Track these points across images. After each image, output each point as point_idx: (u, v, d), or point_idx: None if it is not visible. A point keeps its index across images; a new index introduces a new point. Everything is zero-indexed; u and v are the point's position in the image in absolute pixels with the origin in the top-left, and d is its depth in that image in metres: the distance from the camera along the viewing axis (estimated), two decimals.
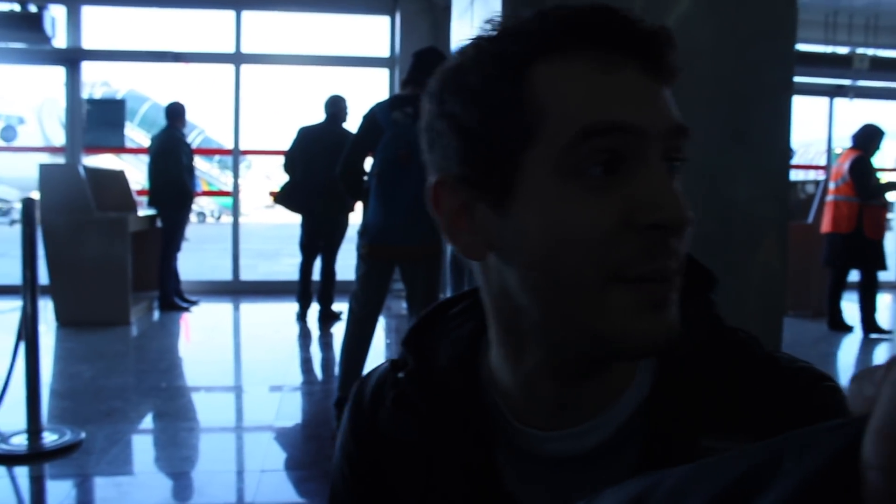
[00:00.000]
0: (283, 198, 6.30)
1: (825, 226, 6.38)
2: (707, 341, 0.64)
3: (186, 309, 6.93)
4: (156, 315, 6.83)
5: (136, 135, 17.54)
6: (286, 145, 6.26)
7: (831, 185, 6.39)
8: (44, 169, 6.30)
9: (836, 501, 0.28)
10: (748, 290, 2.61)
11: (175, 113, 6.80)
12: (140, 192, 7.45)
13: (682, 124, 0.58)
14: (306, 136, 6.07)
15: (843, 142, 10.07)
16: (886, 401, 0.27)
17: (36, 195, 4.56)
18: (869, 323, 6.30)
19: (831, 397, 0.62)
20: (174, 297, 6.94)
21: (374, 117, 3.70)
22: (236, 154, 8.40)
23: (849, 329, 6.45)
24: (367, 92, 8.76)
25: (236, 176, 8.70)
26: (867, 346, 6.09)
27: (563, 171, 0.56)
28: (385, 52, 8.50)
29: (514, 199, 0.58)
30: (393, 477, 0.73)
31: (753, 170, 2.68)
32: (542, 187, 0.57)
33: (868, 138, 6.20)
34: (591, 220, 0.55)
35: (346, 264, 4.12)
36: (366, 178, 3.75)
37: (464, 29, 3.29)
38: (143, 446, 3.62)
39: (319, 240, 6.40)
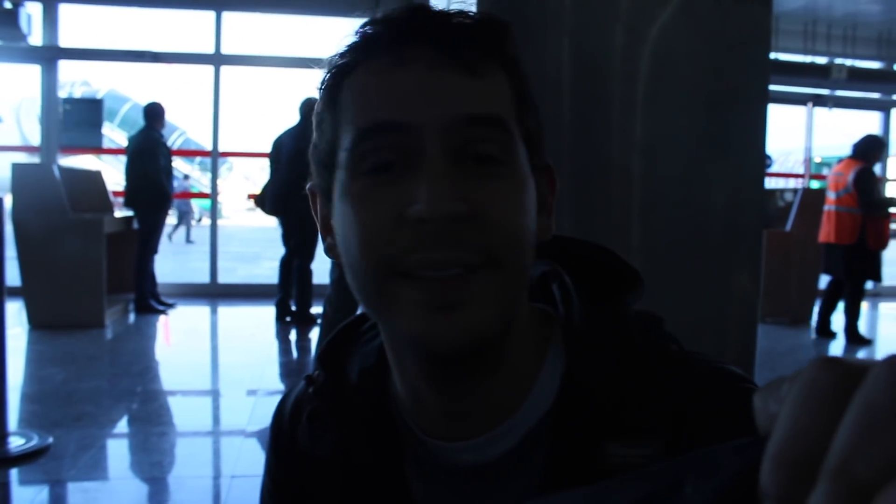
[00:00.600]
0: (260, 201, 6.26)
1: (825, 236, 6.32)
2: (611, 345, 0.63)
3: (163, 312, 6.86)
4: (131, 318, 6.75)
5: (117, 135, 17.42)
6: (267, 148, 6.21)
7: (831, 195, 6.31)
8: (17, 168, 6.19)
9: None
10: (724, 295, 2.60)
11: (153, 113, 6.73)
12: (117, 194, 7.37)
13: (473, 114, 0.57)
14: (282, 140, 6.03)
15: (821, 151, 10.17)
16: (784, 420, 0.24)
17: (8, 195, 4.49)
18: (852, 332, 6.32)
19: (748, 400, 0.59)
20: (150, 300, 6.87)
21: None
22: (215, 156, 8.33)
23: (833, 336, 6.48)
24: None
25: (215, 178, 8.62)
26: (849, 355, 6.13)
27: (352, 173, 0.58)
28: None
29: (332, 202, 0.62)
30: (312, 493, 0.72)
31: (729, 177, 2.67)
32: (342, 190, 0.59)
33: (869, 148, 6.18)
34: (369, 218, 0.56)
35: (323, 268, 4.08)
36: None
37: None
38: (113, 451, 3.56)
39: (290, 242, 6.32)
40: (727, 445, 0.29)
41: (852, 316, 6.33)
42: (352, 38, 0.61)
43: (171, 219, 22.11)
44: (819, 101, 9.48)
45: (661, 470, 0.31)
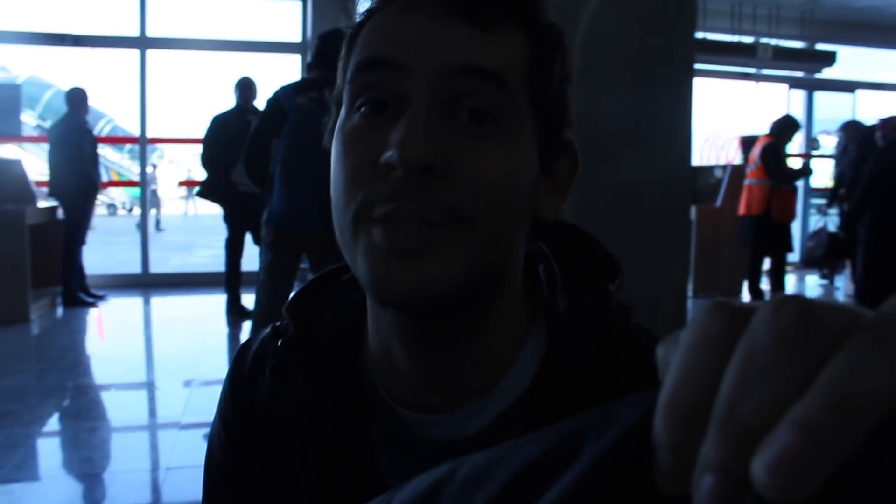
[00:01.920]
0: (206, 191, 6.06)
1: (741, 208, 6.57)
2: (594, 333, 0.62)
3: (92, 304, 6.65)
4: (59, 312, 6.52)
5: (36, 122, 16.77)
6: (198, 133, 6.04)
7: (747, 169, 6.60)
8: None
9: (628, 486, 0.25)
10: (655, 271, 2.64)
11: (76, 99, 6.47)
12: (40, 184, 7.10)
13: (468, 64, 0.55)
14: (218, 124, 5.87)
15: (750, 128, 10.43)
16: (674, 369, 0.23)
17: None
18: None
19: None
20: (79, 293, 6.65)
21: (279, 102, 3.60)
22: (143, 143, 8.09)
23: None
24: (279, 77, 8.58)
25: (143, 165, 8.39)
26: None
27: (348, 109, 0.58)
28: (297, 38, 8.32)
29: (331, 141, 0.61)
30: (269, 448, 0.69)
31: (657, 154, 2.71)
32: (339, 126, 0.59)
33: (783, 128, 6.41)
34: (352, 159, 0.56)
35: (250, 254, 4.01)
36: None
37: None
38: (41, 450, 3.44)
39: (248, 227, 6.09)
40: (629, 398, 0.28)
41: (776, 288, 6.54)
42: None
43: (103, 209, 21.57)
44: (747, 78, 9.70)
45: (563, 426, 0.29)
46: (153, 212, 18.82)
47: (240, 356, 0.74)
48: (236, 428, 0.72)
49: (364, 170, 0.55)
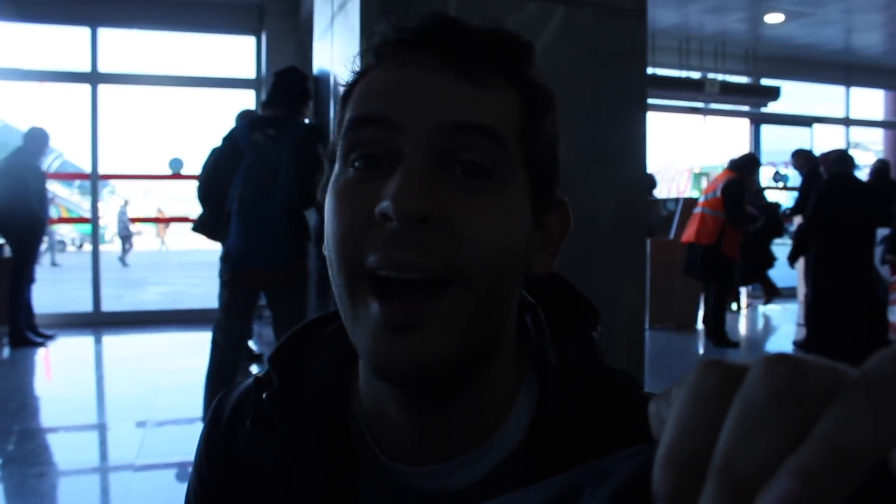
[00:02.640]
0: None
1: (688, 235, 6.61)
2: (586, 384, 0.62)
3: (41, 344, 6.46)
4: (5, 352, 6.33)
5: None
6: (152, 169, 5.97)
7: (701, 198, 6.67)
8: None
9: None
10: (611, 301, 2.67)
11: (34, 138, 6.41)
12: None
13: (461, 121, 0.55)
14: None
15: (700, 161, 10.67)
16: (672, 424, 0.25)
17: None
18: (718, 335, 6.59)
19: None
20: (26, 332, 6.46)
21: (235, 139, 3.59)
22: (95, 178, 7.95)
23: (734, 344, 6.70)
24: (232, 113, 8.54)
25: (95, 201, 8.24)
26: (722, 355, 6.39)
27: (342, 164, 0.58)
28: (251, 73, 8.31)
29: (327, 192, 0.60)
30: (246, 501, 0.67)
31: (612, 185, 2.76)
32: (333, 181, 0.59)
33: (745, 165, 6.51)
34: (345, 213, 0.56)
35: (213, 292, 3.94)
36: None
37: (324, 49, 3.24)
38: None
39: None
40: (622, 453, 0.29)
41: (717, 320, 6.61)
42: (375, 40, 0.61)
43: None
44: (696, 112, 9.96)
45: (560, 480, 0.31)
46: (122, 247, 18.97)
47: (218, 407, 0.73)
48: (210, 480, 0.71)
49: (358, 223, 0.55)
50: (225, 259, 3.53)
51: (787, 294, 8.63)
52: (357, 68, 0.62)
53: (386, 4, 2.49)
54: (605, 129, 2.73)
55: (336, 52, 2.94)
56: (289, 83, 3.73)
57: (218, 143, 3.68)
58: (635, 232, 2.83)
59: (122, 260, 18.43)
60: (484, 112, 0.56)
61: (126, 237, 19.18)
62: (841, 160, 5.95)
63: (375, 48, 0.61)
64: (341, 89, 0.63)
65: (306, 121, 3.71)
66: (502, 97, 0.58)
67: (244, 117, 4.47)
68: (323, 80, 3.32)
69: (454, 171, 0.55)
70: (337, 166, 0.59)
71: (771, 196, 8.88)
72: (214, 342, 3.61)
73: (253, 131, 3.55)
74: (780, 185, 10.54)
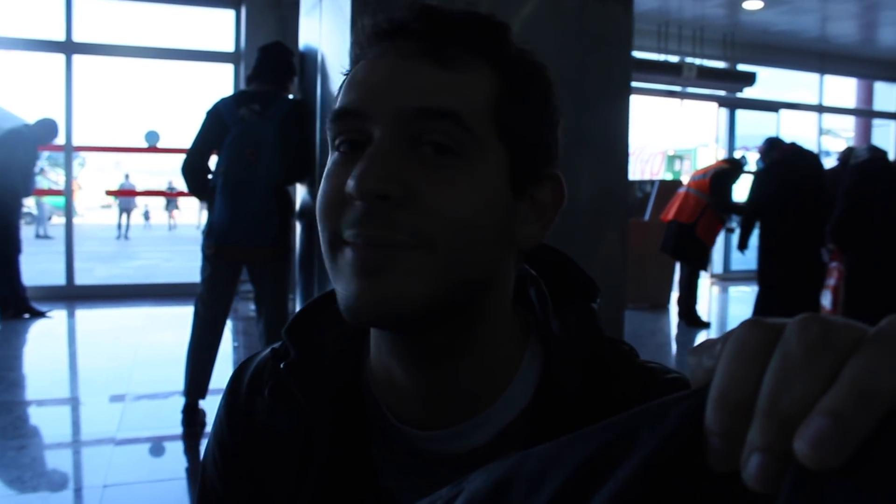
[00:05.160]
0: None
1: (671, 213, 6.70)
2: (586, 348, 0.66)
3: (43, 314, 6.50)
4: None
5: None
6: (124, 141, 5.94)
7: (686, 178, 6.78)
8: None
9: (686, 466, 0.31)
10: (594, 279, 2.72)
11: (43, 126, 6.56)
12: None
13: (423, 107, 0.59)
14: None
15: (674, 143, 10.78)
16: (722, 371, 0.30)
17: None
18: (689, 315, 6.74)
19: None
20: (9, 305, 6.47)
21: (219, 113, 3.58)
22: (69, 150, 7.84)
23: (694, 319, 6.85)
24: (209, 87, 8.45)
25: (69, 174, 8.13)
26: (691, 335, 6.52)
27: (332, 149, 0.64)
28: (230, 47, 8.23)
29: None
30: (265, 468, 0.71)
31: (595, 168, 2.81)
32: (327, 164, 0.64)
33: (736, 164, 6.72)
34: (326, 192, 0.62)
35: (195, 266, 3.95)
36: (210, 176, 3.62)
37: (312, 26, 3.24)
38: None
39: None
40: (669, 399, 0.33)
41: (689, 300, 6.77)
42: (364, 32, 0.65)
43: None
44: (673, 96, 10.05)
45: (619, 421, 0.35)
46: (124, 219, 18.98)
47: (236, 377, 0.77)
48: (232, 448, 0.74)
49: (335, 201, 0.60)
50: (208, 234, 3.53)
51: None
52: (353, 57, 0.66)
53: None
54: (590, 112, 2.78)
55: (325, 30, 2.95)
56: (274, 58, 3.73)
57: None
58: (617, 214, 2.89)
59: (125, 235, 18.47)
60: (446, 95, 0.59)
61: (128, 210, 19.21)
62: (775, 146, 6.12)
63: (361, 41, 0.65)
64: (329, 69, 0.68)
65: (291, 96, 3.71)
66: (471, 77, 0.61)
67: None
68: (310, 57, 3.32)
69: (424, 150, 0.59)
70: (330, 149, 0.65)
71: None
72: (196, 315, 3.62)
73: (238, 106, 3.54)
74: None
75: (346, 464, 0.67)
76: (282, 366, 0.70)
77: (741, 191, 6.62)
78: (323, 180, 0.63)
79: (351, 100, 0.61)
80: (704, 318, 6.91)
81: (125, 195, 18.64)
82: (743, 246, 6.53)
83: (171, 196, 18.74)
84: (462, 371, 0.64)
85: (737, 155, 6.82)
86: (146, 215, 21.65)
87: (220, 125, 3.55)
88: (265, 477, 0.71)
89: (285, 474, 0.69)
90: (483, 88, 0.61)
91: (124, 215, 19.04)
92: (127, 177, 19.04)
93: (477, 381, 0.65)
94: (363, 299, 0.58)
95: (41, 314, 6.54)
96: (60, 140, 7.68)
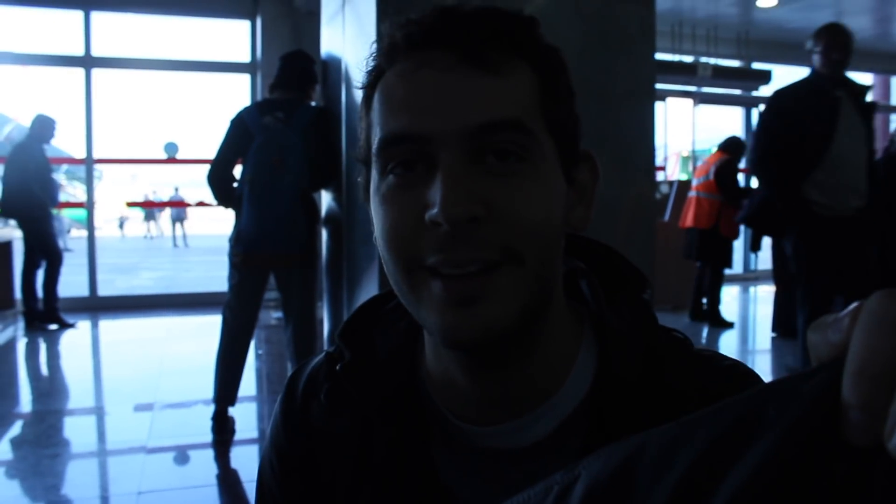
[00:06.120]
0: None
1: (688, 220, 6.69)
2: (643, 339, 0.66)
3: (62, 328, 6.57)
4: (10, 335, 6.34)
5: None
6: (142, 153, 6.01)
7: (694, 181, 6.76)
8: None
9: (822, 443, 0.30)
10: None
11: (38, 124, 6.51)
12: None
13: (485, 122, 0.58)
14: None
15: (691, 144, 10.73)
16: (860, 344, 0.30)
17: None
18: (714, 315, 6.72)
19: None
20: (41, 315, 6.56)
21: (243, 122, 3.60)
22: (89, 163, 7.93)
23: (706, 318, 6.84)
24: (227, 97, 8.52)
25: (90, 187, 8.21)
26: (715, 336, 6.49)
27: (381, 173, 0.62)
28: (246, 57, 8.28)
29: (369, 198, 0.65)
30: (324, 470, 0.72)
31: (622, 170, 2.81)
32: (375, 188, 0.63)
33: (734, 145, 6.68)
34: (394, 218, 0.60)
35: (222, 274, 3.97)
36: (236, 184, 3.64)
37: (334, 34, 3.26)
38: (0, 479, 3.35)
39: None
40: (797, 374, 0.33)
41: (713, 301, 6.74)
42: (384, 42, 0.63)
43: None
44: (689, 96, 10.01)
45: (744, 399, 0.34)
46: (178, 229, 19.80)
47: (291, 383, 0.78)
48: (290, 452, 0.75)
49: (407, 227, 0.59)
50: (236, 241, 3.55)
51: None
52: (370, 68, 0.64)
53: None
54: (615, 113, 2.78)
55: (349, 37, 2.96)
56: (296, 66, 3.75)
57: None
58: (645, 215, 2.88)
59: (183, 242, 19.32)
60: (505, 104, 0.59)
61: (180, 220, 19.82)
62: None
63: (386, 50, 0.63)
64: (353, 77, 0.67)
65: (313, 104, 3.73)
66: (518, 79, 0.61)
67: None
68: (332, 64, 3.34)
69: (487, 160, 0.59)
70: (375, 173, 0.63)
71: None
72: (224, 323, 3.64)
73: (262, 114, 3.57)
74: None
75: (406, 463, 0.67)
76: (337, 367, 0.70)
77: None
78: (383, 206, 0.61)
79: (405, 124, 0.59)
80: (727, 318, 6.86)
81: (146, 206, 18.85)
82: (756, 247, 6.50)
83: (181, 206, 18.94)
84: (525, 372, 0.64)
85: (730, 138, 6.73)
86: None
87: (244, 134, 3.57)
88: (324, 479, 0.72)
89: (344, 476, 0.70)
90: (530, 87, 0.61)
91: (177, 225, 19.78)
92: (177, 189, 19.26)
93: (538, 378, 0.65)
94: (463, 328, 0.58)
95: (69, 325, 6.60)
96: (81, 154, 7.76)
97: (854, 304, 0.32)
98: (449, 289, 0.58)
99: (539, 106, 0.61)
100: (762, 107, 4.67)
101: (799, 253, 3.81)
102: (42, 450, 3.54)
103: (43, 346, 6.10)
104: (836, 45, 3.77)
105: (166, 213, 22.15)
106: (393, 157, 0.60)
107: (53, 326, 6.56)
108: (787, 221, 3.84)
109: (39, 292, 6.64)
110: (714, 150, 6.87)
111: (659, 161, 11.13)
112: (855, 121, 3.72)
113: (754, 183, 5.91)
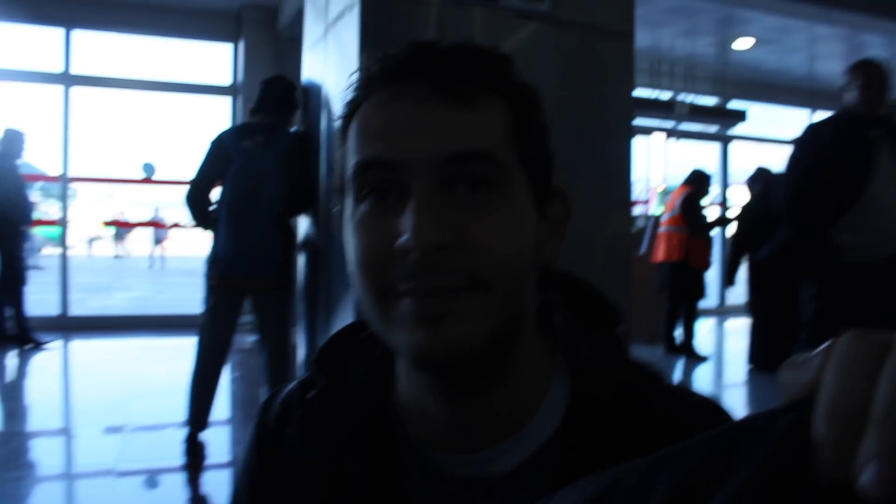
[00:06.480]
0: None
1: (659, 255, 6.83)
2: (615, 372, 0.67)
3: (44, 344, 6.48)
4: None
5: None
6: (118, 172, 5.97)
7: (663, 217, 6.88)
8: None
9: (795, 478, 0.31)
10: None
11: (7, 139, 6.42)
12: None
13: (457, 151, 0.60)
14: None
15: (668, 179, 10.87)
16: (831, 383, 0.31)
17: None
18: (688, 349, 6.79)
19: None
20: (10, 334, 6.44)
21: (223, 145, 3.61)
22: (65, 181, 7.87)
23: (679, 351, 6.90)
24: (207, 119, 8.51)
25: (65, 205, 8.14)
26: (689, 369, 6.53)
27: (354, 201, 0.63)
28: (227, 81, 8.30)
29: (344, 224, 0.66)
30: (296, 498, 0.72)
31: (598, 203, 2.84)
32: (349, 216, 0.64)
33: (698, 179, 6.78)
34: (366, 246, 0.61)
35: (195, 297, 3.93)
36: (213, 206, 3.64)
37: (316, 60, 3.28)
38: None
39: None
40: (765, 412, 0.34)
41: (687, 333, 6.84)
42: (362, 75, 0.65)
43: None
44: (669, 133, 10.17)
45: (718, 434, 0.35)
46: (158, 250, 19.77)
47: (264, 410, 0.78)
48: (262, 478, 0.75)
49: (379, 254, 0.60)
50: (212, 264, 3.54)
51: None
52: (348, 100, 0.66)
53: (385, 21, 2.56)
54: (593, 147, 2.82)
55: (331, 64, 2.99)
56: (277, 92, 3.77)
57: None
58: (621, 248, 2.92)
59: (160, 263, 19.26)
60: (476, 136, 0.60)
61: (159, 240, 19.89)
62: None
63: (363, 83, 0.65)
64: (334, 104, 0.68)
65: (293, 129, 3.75)
66: (491, 113, 0.62)
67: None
68: (313, 90, 3.36)
69: (458, 190, 0.60)
70: (349, 200, 0.64)
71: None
72: (200, 345, 3.61)
73: (242, 138, 3.58)
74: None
75: (378, 492, 0.67)
76: (309, 395, 0.71)
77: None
78: (356, 234, 0.62)
79: (378, 150, 0.61)
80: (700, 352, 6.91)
81: (122, 226, 18.76)
82: (730, 280, 6.62)
83: (161, 227, 18.83)
84: (496, 400, 0.65)
85: (697, 172, 6.85)
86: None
87: (223, 156, 3.58)
88: None
89: (317, 502, 0.70)
90: (502, 122, 0.63)
91: (156, 245, 19.79)
92: (157, 210, 19.18)
93: (510, 407, 0.66)
94: (430, 345, 0.59)
95: (41, 345, 6.50)
96: (57, 171, 7.70)
97: (825, 344, 0.33)
98: (418, 305, 0.59)
99: (511, 140, 0.63)
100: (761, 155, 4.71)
101: (821, 299, 3.56)
102: (6, 472, 3.46)
103: (11, 367, 5.99)
104: (874, 82, 3.56)
105: (135, 234, 22.10)
106: (366, 183, 0.61)
107: (27, 346, 6.44)
108: (814, 265, 3.60)
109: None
110: (678, 185, 6.99)
111: (640, 195, 11.25)
112: (893, 162, 3.47)
113: (716, 213, 5.97)
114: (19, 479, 3.39)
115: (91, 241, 22.30)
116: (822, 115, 3.88)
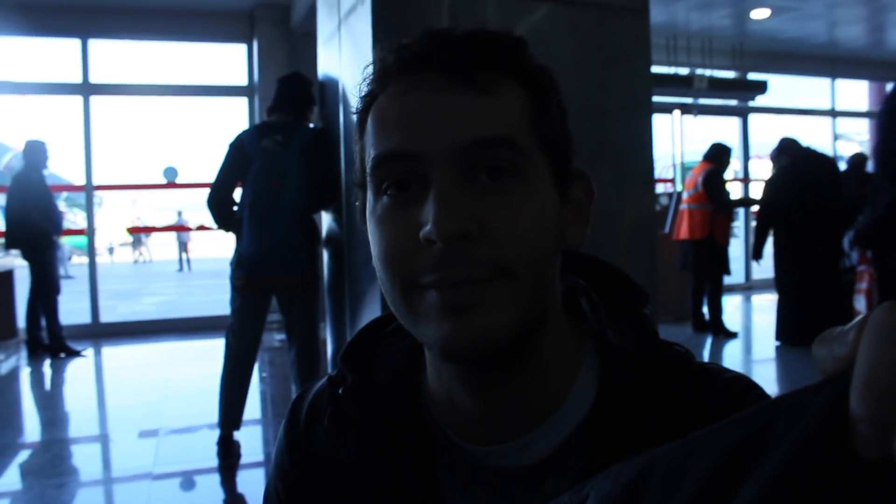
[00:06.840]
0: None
1: (682, 233, 6.74)
2: (645, 355, 0.65)
3: (67, 356, 6.54)
4: (15, 363, 6.32)
5: None
6: (140, 178, 6.03)
7: (684, 195, 6.79)
8: None
9: (832, 457, 0.30)
10: None
11: (30, 150, 6.49)
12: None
13: (476, 139, 0.59)
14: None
15: (689, 156, 10.76)
16: (867, 357, 0.29)
17: None
18: (716, 325, 6.71)
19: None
20: (45, 342, 6.56)
21: (242, 146, 3.62)
22: (89, 190, 7.95)
23: (707, 328, 6.84)
24: (225, 120, 8.56)
25: (90, 213, 8.23)
26: (719, 346, 6.48)
27: (375, 194, 0.63)
28: (243, 81, 8.33)
29: (366, 220, 0.65)
30: (329, 494, 0.72)
31: (621, 184, 2.81)
32: (370, 210, 0.64)
33: (718, 153, 6.67)
34: (390, 239, 0.60)
35: (224, 298, 3.96)
36: (236, 207, 3.65)
37: (331, 55, 3.28)
38: None
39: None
40: (799, 390, 0.33)
41: (715, 310, 6.75)
42: (376, 67, 0.64)
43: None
44: (685, 109, 10.06)
45: (752, 415, 0.34)
46: (184, 254, 20.12)
47: (294, 408, 0.78)
48: (295, 476, 0.75)
49: (402, 247, 0.59)
50: (237, 265, 3.56)
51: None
52: (363, 93, 0.65)
53: (397, 11, 2.54)
54: (612, 127, 2.79)
55: (345, 58, 2.98)
56: (293, 89, 3.77)
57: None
58: (645, 228, 2.89)
59: (187, 266, 19.74)
60: (496, 122, 0.60)
61: (184, 244, 20.22)
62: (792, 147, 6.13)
63: (378, 75, 0.64)
64: (350, 98, 0.66)
65: (311, 125, 3.75)
66: (509, 98, 0.61)
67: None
68: (330, 85, 3.36)
69: (479, 178, 0.59)
70: (370, 195, 0.63)
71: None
72: (228, 346, 3.64)
73: (261, 137, 3.59)
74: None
75: (410, 485, 0.67)
76: (340, 391, 0.70)
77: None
78: (378, 227, 0.62)
79: (397, 143, 0.60)
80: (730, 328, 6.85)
81: (142, 231, 18.93)
82: (757, 255, 6.52)
83: (183, 230, 19.01)
84: (526, 388, 0.64)
85: (717, 147, 6.73)
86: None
87: (243, 157, 3.59)
88: (331, 502, 0.72)
89: (349, 500, 0.70)
90: (521, 107, 0.62)
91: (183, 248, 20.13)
92: (180, 213, 19.37)
93: (539, 394, 0.65)
94: (458, 337, 0.58)
95: (77, 353, 6.59)
96: (80, 180, 7.79)
97: (859, 317, 0.31)
98: (444, 297, 0.58)
99: (531, 124, 0.62)
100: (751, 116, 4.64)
101: None
102: (47, 479, 3.52)
103: (46, 375, 6.09)
104: None
105: (157, 238, 22.31)
106: (386, 176, 0.61)
107: (62, 355, 6.54)
108: None
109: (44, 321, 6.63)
110: (699, 161, 6.90)
111: (661, 173, 11.16)
112: None
113: (739, 191, 5.87)
114: (60, 486, 3.44)
115: (111, 248, 22.62)
116: (843, 83, 3.76)
